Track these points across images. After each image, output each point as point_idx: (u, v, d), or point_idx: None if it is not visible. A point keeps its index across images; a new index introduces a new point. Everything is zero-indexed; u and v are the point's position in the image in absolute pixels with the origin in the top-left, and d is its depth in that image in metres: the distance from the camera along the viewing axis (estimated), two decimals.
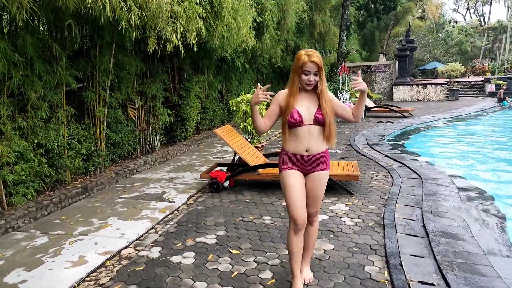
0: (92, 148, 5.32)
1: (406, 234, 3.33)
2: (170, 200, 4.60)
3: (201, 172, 5.70)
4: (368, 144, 7.75)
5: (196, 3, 5.38)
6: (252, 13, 8.19)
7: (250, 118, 5.95)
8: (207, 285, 2.68)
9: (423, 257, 2.91)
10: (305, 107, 2.34)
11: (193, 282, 2.73)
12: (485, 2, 47.16)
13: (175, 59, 7.61)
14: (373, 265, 2.87)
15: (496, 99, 17.77)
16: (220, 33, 6.50)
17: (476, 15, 55.88)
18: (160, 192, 4.94)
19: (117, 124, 5.88)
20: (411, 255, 2.93)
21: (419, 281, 2.56)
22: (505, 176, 6.04)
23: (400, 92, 19.49)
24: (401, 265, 2.77)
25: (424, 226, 3.49)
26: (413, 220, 3.67)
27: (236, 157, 5.36)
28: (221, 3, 6.17)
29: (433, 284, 2.54)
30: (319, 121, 2.33)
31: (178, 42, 4.92)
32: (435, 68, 31.93)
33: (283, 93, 2.37)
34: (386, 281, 2.63)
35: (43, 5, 3.93)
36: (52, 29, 4.83)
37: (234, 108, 6.04)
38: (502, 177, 6.01)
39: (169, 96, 7.64)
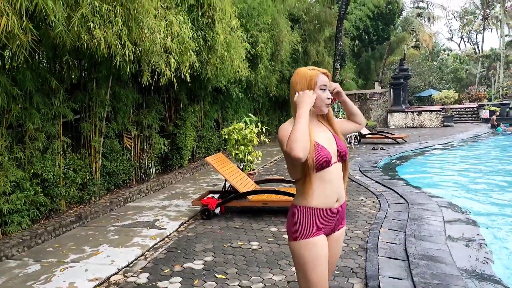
0: (87, 177, 5.46)
1: (388, 258, 3.41)
2: (162, 227, 4.70)
3: (194, 199, 5.81)
4: (360, 170, 7.88)
5: (190, 38, 5.69)
6: (245, 45, 8.55)
7: (242, 146, 6.14)
8: None
9: (401, 279, 2.99)
10: (325, 139, 1.78)
11: None
12: (478, 31, 48.49)
13: (171, 89, 7.88)
14: (352, 287, 2.96)
15: (490, 125, 18.04)
16: (214, 65, 6.79)
17: (470, 44, 57.41)
18: (152, 219, 5.04)
19: (113, 153, 6.05)
20: (390, 277, 3.02)
21: None
22: (491, 202, 6.13)
23: (396, 119, 19.80)
24: (379, 287, 2.85)
25: (405, 249, 3.58)
26: (396, 244, 3.76)
27: (228, 185, 5.50)
28: (214, 37, 6.50)
29: None
30: (343, 156, 1.82)
31: (171, 74, 5.18)
32: (431, 95, 32.49)
33: (290, 126, 1.68)
34: None
35: (42, 42, 4.20)
36: (51, 64, 5.10)
37: (226, 137, 6.23)
38: (489, 203, 6.11)
39: (165, 126, 7.86)
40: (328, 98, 1.78)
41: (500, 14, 42.40)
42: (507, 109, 21.00)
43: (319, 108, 1.79)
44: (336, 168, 1.77)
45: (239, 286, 3.10)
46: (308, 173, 1.69)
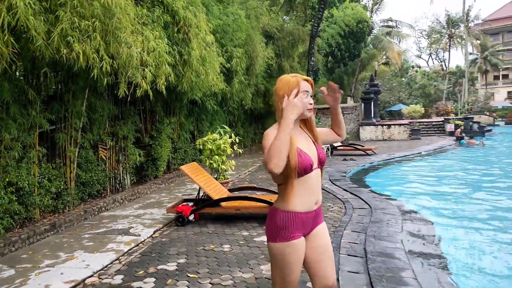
0: (62, 187, 5.53)
1: (348, 255, 3.71)
2: (136, 234, 4.84)
3: (168, 207, 5.96)
4: (330, 180, 8.24)
5: (166, 52, 5.94)
6: (220, 60, 8.87)
7: (216, 156, 6.37)
8: None
9: (358, 273, 3.29)
10: (306, 146, 1.86)
11: None
12: (445, 49, 51.07)
13: (147, 101, 8.05)
14: None
15: (455, 138, 19.04)
16: (189, 78, 7.04)
17: (438, 61, 60.30)
18: (127, 227, 5.16)
19: (88, 163, 6.14)
20: (348, 271, 3.31)
21: None
22: (448, 207, 6.61)
23: (367, 132, 20.54)
24: (338, 280, 3.13)
25: (365, 248, 3.89)
26: (357, 243, 4.07)
27: (202, 193, 5.70)
28: (189, 52, 6.77)
29: None
30: (322, 162, 1.91)
31: (148, 87, 5.39)
32: (400, 109, 33.80)
33: (275, 132, 1.73)
34: None
35: (22, 55, 4.35)
36: (29, 76, 5.22)
37: (201, 147, 6.45)
38: (445, 207, 6.58)
39: (141, 137, 7.99)
40: (310, 104, 1.85)
41: (464, 33, 44.97)
42: (470, 123, 22.22)
43: (301, 113, 1.82)
44: (316, 173, 1.86)
45: (210, 283, 3.31)
46: (291, 178, 1.76)
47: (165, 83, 6.03)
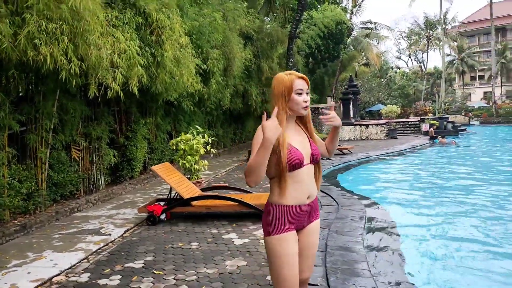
0: (33, 188, 5.54)
1: None
2: (107, 234, 4.90)
3: (140, 207, 6.03)
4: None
5: (138, 54, 6.01)
6: (196, 61, 8.96)
7: (189, 156, 6.48)
8: None
9: (316, 265, 3.46)
10: (298, 142, 1.89)
11: None
12: (423, 50, 52.32)
13: (122, 102, 8.08)
14: None
15: (429, 137, 19.62)
16: (163, 79, 7.10)
17: (417, 62, 61.74)
18: (98, 227, 5.21)
19: (60, 164, 6.15)
20: None
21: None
22: (413, 203, 6.90)
23: (346, 132, 20.94)
24: None
25: (326, 243, 4.07)
26: (320, 239, 4.25)
27: (174, 192, 5.79)
28: (162, 53, 6.84)
29: (317, 285, 3.09)
30: (315, 159, 1.93)
31: (118, 88, 5.46)
32: (379, 109, 34.51)
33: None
34: None
35: None
36: None
37: (174, 147, 6.55)
38: (410, 203, 6.87)
39: (115, 138, 8.01)
40: (305, 102, 1.84)
41: (441, 35, 46.20)
42: (445, 123, 22.91)
43: (296, 111, 1.87)
44: (308, 169, 1.87)
45: (175, 279, 3.42)
46: (282, 173, 1.79)
47: (138, 84, 6.09)
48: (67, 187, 6.34)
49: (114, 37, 5.43)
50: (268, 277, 3.33)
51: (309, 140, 1.93)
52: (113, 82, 5.38)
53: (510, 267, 4.02)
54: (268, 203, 1.91)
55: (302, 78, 1.86)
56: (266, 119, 1.67)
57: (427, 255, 4.41)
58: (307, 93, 1.86)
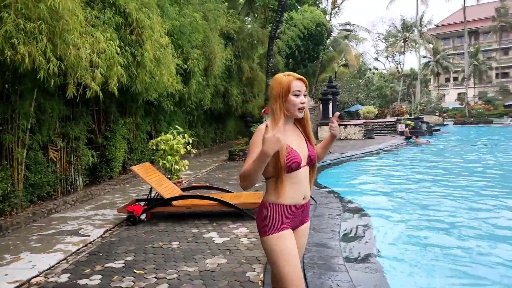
0: (9, 189, 5.44)
1: None
2: (86, 234, 4.88)
3: (119, 207, 6.01)
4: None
5: (117, 54, 5.98)
6: (177, 61, 8.96)
7: (169, 156, 6.50)
8: None
9: None
10: (296, 144, 1.90)
11: None
12: (400, 52, 53.59)
13: (101, 102, 8.00)
14: (254, 271, 3.48)
15: (404, 137, 20.19)
16: (143, 79, 7.09)
17: (394, 63, 63.13)
18: (76, 228, 5.18)
19: (37, 165, 6.06)
20: None
21: None
22: (387, 201, 7.16)
23: (325, 132, 21.24)
24: None
25: None
26: None
27: (154, 192, 5.80)
28: (142, 53, 6.83)
29: None
30: (312, 161, 1.95)
31: (98, 88, 5.43)
32: (358, 110, 35.18)
33: (265, 129, 1.71)
34: (260, 281, 3.25)
35: None
36: None
37: (154, 148, 6.55)
38: (384, 201, 7.13)
39: (94, 138, 7.93)
40: (302, 103, 1.86)
41: (417, 37, 47.46)
42: (420, 123, 23.59)
43: (292, 112, 1.88)
44: (305, 170, 1.89)
45: (155, 278, 3.47)
46: (280, 174, 1.80)
47: (118, 84, 6.07)
48: (44, 188, 6.25)
49: (93, 36, 5.40)
50: (248, 274, 3.43)
51: (306, 142, 1.95)
52: (92, 81, 5.36)
53: (476, 256, 4.26)
54: (264, 202, 1.91)
55: (301, 79, 1.88)
56: (267, 132, 1.64)
57: (401, 250, 4.60)
58: (304, 95, 1.88)
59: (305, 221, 2.00)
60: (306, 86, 1.89)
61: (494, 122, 36.29)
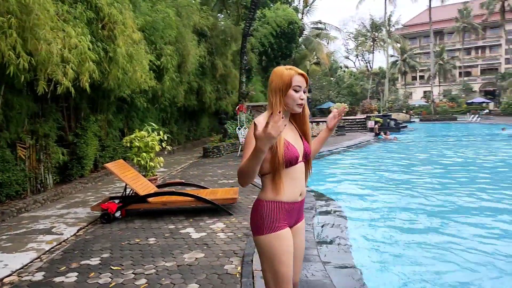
0: None
1: None
2: (59, 233, 4.80)
3: (93, 205, 5.93)
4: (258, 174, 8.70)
5: (89, 49, 5.87)
6: (150, 57, 8.87)
7: (144, 153, 6.46)
8: None
9: None
10: (293, 139, 1.87)
11: None
12: (369, 51, 54.99)
13: (71, 98, 7.81)
14: (232, 264, 3.57)
15: (374, 134, 20.85)
16: (115, 75, 6.99)
17: (364, 62, 64.68)
18: (49, 227, 5.08)
19: (5, 163, 5.86)
20: None
21: (260, 270, 3.31)
22: (358, 195, 7.43)
23: None
24: (252, 261, 3.51)
25: None
26: None
27: (129, 190, 5.76)
28: (115, 49, 6.73)
29: None
30: (307, 156, 1.91)
31: (69, 84, 5.32)
32: (329, 107, 35.88)
33: (263, 122, 1.61)
34: (238, 273, 3.34)
35: None
36: None
37: (128, 145, 6.49)
38: (356, 196, 7.40)
39: (64, 135, 7.74)
40: (301, 99, 1.80)
41: (385, 37, 48.87)
42: (388, 120, 24.41)
43: (291, 108, 1.82)
44: (301, 166, 1.85)
45: (133, 273, 3.49)
46: (278, 169, 1.74)
47: (89, 80, 5.97)
48: (13, 187, 6.06)
49: (64, 31, 5.29)
50: (226, 267, 3.51)
51: (301, 138, 1.92)
52: (64, 77, 5.25)
53: (447, 247, 4.54)
54: (261, 200, 1.83)
55: (302, 75, 1.82)
56: (258, 128, 1.50)
57: (372, 241, 4.82)
58: (304, 91, 1.83)
59: (301, 218, 1.97)
60: (306, 82, 1.84)
61: (457, 119, 38.03)
